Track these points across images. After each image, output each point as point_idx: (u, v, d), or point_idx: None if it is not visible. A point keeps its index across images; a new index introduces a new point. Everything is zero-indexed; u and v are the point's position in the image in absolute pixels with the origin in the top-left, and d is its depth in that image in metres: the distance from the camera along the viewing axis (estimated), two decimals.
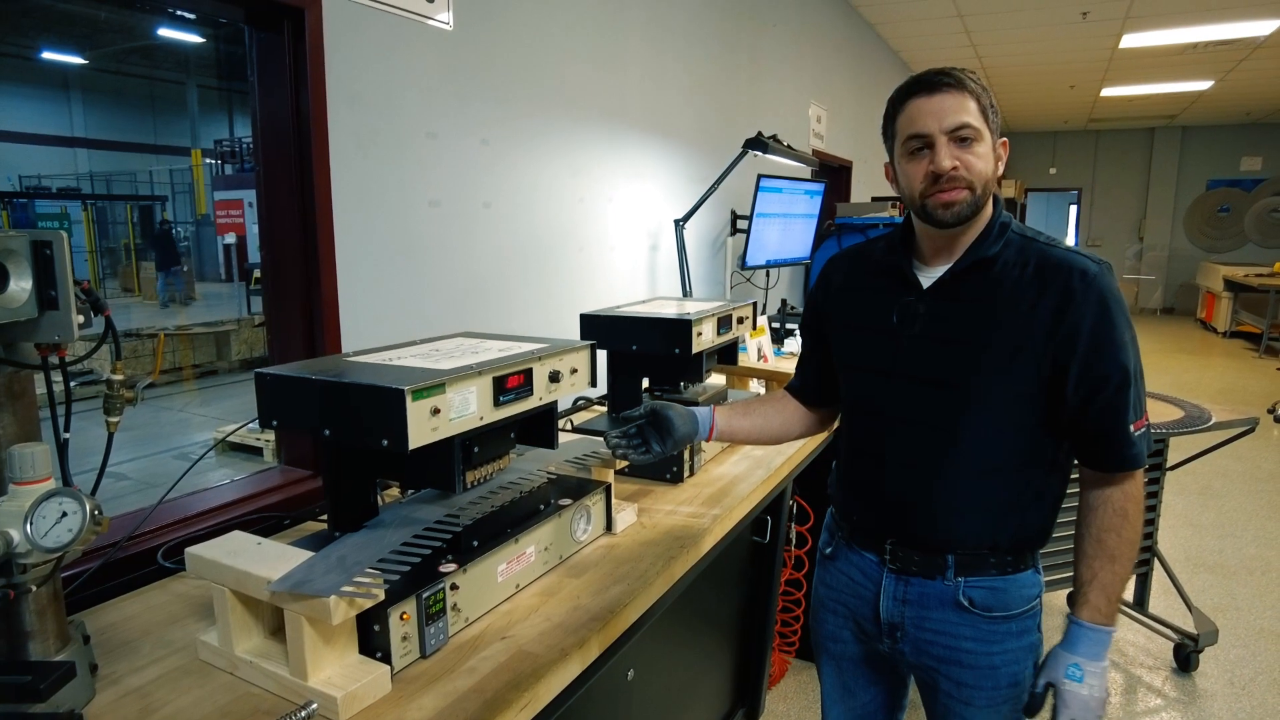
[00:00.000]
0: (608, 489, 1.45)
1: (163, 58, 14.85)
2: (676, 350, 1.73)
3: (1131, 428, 1.11)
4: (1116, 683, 2.60)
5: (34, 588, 0.89)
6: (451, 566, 1.09)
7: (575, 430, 1.84)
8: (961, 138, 1.09)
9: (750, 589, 2.19)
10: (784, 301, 3.93)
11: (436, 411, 1.03)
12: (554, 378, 1.25)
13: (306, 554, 1.02)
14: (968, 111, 1.09)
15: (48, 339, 0.83)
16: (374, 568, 0.98)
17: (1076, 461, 1.19)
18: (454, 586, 1.09)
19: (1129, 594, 2.87)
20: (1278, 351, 8.91)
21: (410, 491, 1.32)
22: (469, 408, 1.10)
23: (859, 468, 1.28)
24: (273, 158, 1.64)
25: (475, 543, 1.15)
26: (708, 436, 1.36)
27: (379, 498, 1.22)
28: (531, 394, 1.21)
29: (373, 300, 1.80)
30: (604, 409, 2.18)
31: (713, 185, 2.98)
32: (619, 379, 1.90)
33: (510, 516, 1.24)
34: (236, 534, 1.08)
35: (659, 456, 1.32)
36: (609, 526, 1.47)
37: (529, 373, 1.20)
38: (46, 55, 13.85)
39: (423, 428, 1.02)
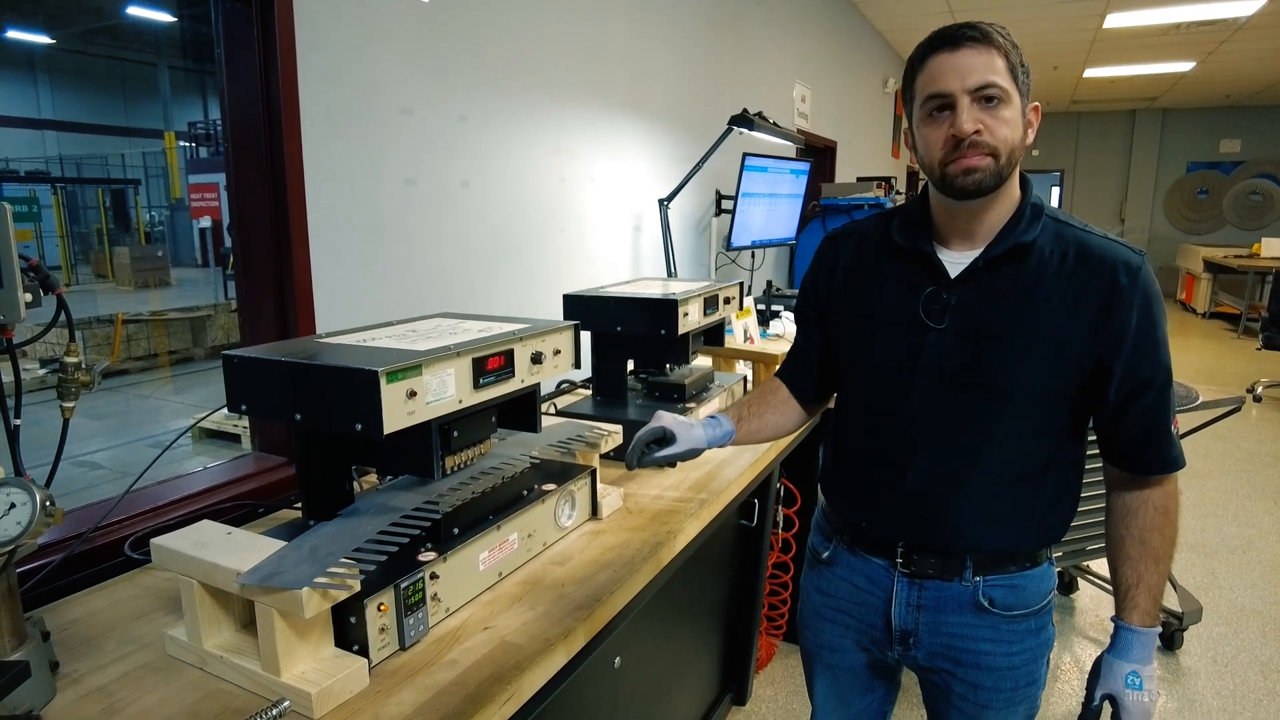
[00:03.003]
0: (593, 474, 1.41)
1: (131, 38, 14.51)
2: (662, 331, 1.69)
3: (1171, 428, 1.07)
4: None
5: None
6: (431, 555, 1.05)
7: (559, 414, 1.80)
8: (987, 97, 0.99)
9: (738, 573, 2.17)
10: (769, 283, 3.90)
11: (413, 394, 0.99)
12: (536, 359, 1.21)
13: (278, 544, 0.97)
14: (994, 69, 0.98)
15: None
16: (349, 557, 0.94)
17: (1106, 462, 1.13)
18: (434, 576, 1.05)
19: None
20: (1256, 332, 9.01)
21: (388, 478, 1.27)
22: (447, 390, 1.05)
23: (868, 473, 1.18)
24: (242, 135, 1.58)
25: (455, 530, 1.11)
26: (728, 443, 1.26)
27: (356, 485, 1.18)
28: (513, 376, 1.17)
29: (347, 281, 1.74)
30: (587, 392, 2.14)
31: (698, 164, 2.93)
32: (603, 361, 1.86)
33: (492, 503, 1.20)
34: (205, 524, 1.04)
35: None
36: (594, 512, 1.43)
37: (510, 354, 1.16)
38: (11, 34, 13.49)
39: (398, 411, 0.97)
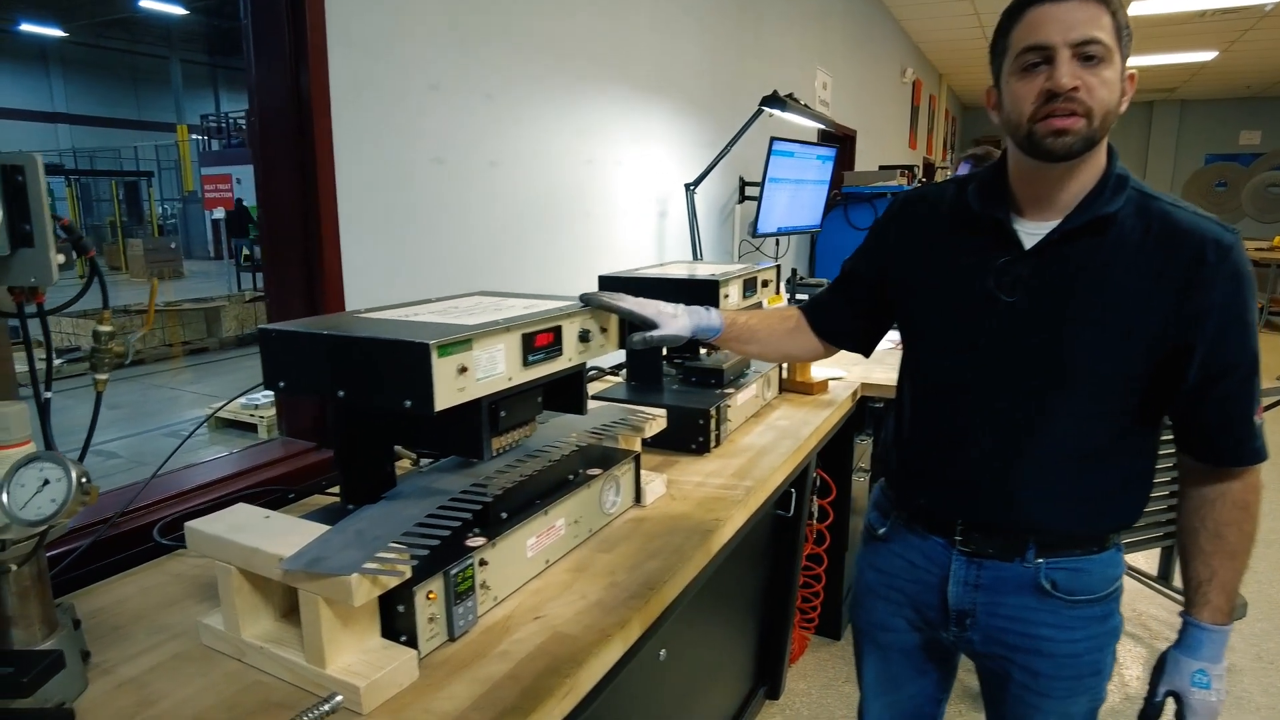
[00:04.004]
0: (636, 459, 1.35)
1: (144, 31, 14.51)
2: None
3: (1255, 418, 1.00)
4: (1141, 657, 2.54)
5: (14, 567, 0.79)
6: (480, 541, 1.00)
7: (594, 399, 1.74)
8: (1088, 55, 0.92)
9: (773, 564, 2.11)
10: (794, 271, 3.82)
11: (463, 370, 0.93)
12: (584, 337, 1.15)
13: (321, 528, 0.92)
14: (1100, 26, 0.92)
15: (22, 281, 0.72)
16: (397, 542, 0.89)
17: (1181, 452, 1.07)
18: (483, 563, 0.99)
19: (1153, 568, 2.81)
20: (1276, 326, 8.88)
21: (427, 461, 1.21)
22: (497, 367, 0.99)
23: (930, 448, 1.14)
24: (270, 110, 1.52)
25: (504, 515, 1.05)
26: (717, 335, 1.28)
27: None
28: (561, 354, 1.11)
29: (378, 260, 1.68)
30: (616, 379, 2.08)
31: (726, 146, 2.86)
32: (643, 351, 1.79)
33: (539, 487, 1.14)
34: (241, 506, 0.98)
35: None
36: (638, 498, 1.37)
37: (559, 331, 1.10)
38: (24, 27, 13.51)
39: (449, 387, 0.91)
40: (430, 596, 0.92)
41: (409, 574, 0.86)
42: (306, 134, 1.49)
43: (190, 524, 0.93)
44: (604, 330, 1.21)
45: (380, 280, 1.69)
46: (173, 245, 12.65)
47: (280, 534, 0.90)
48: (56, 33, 14.00)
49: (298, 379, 0.99)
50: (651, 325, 1.21)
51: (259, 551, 0.87)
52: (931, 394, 1.15)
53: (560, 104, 2.26)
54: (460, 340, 0.92)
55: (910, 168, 4.76)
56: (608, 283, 1.71)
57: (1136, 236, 0.98)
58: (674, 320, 1.22)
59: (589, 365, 1.23)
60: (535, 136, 2.17)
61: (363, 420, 1.05)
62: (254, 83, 1.54)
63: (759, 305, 1.92)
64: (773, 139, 3.12)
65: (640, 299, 1.23)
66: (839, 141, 5.30)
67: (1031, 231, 1.03)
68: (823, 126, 3.26)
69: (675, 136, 2.94)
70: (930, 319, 1.13)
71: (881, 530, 1.25)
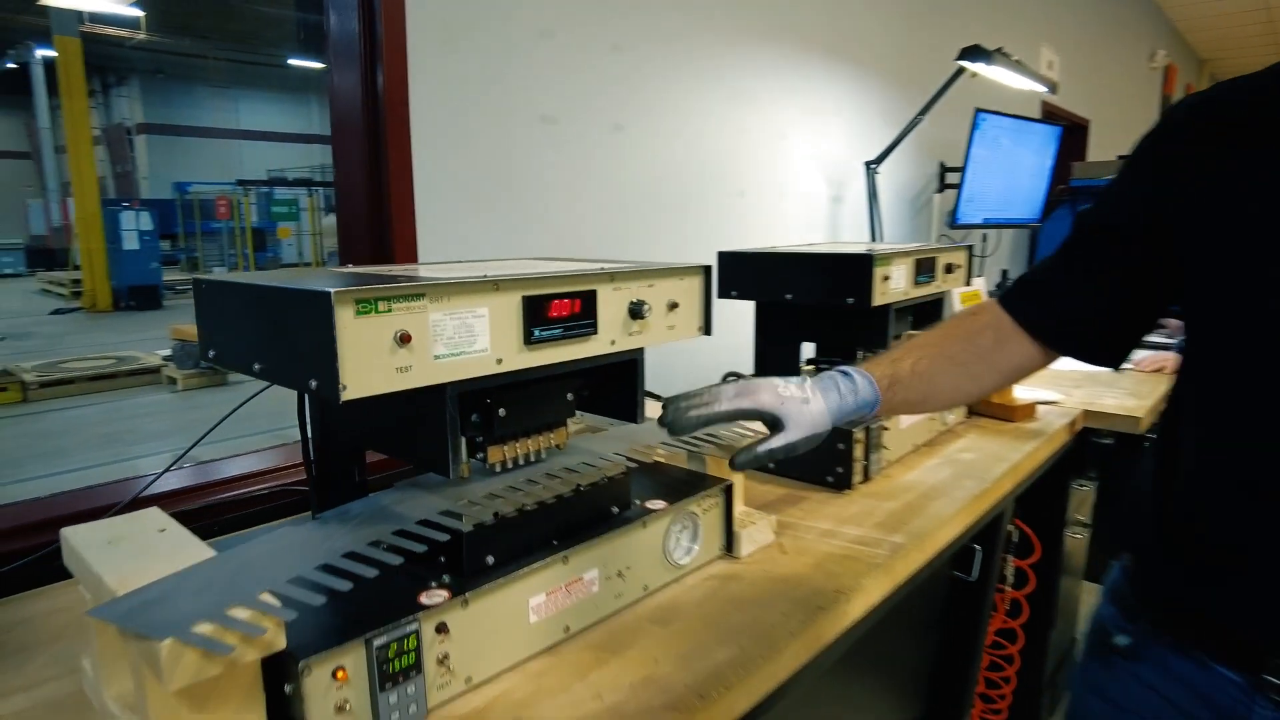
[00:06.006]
0: (728, 490, 0.98)
1: None
2: (849, 300, 1.21)
3: None
4: None
5: None
6: (440, 595, 0.68)
7: None
8: None
9: (945, 638, 1.62)
10: (1004, 274, 3.20)
11: (405, 340, 0.62)
12: (636, 312, 0.80)
13: (206, 554, 0.64)
14: None
15: None
16: (277, 593, 0.58)
17: None
18: (442, 629, 0.67)
19: None
20: None
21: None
22: (474, 342, 0.67)
23: (1237, 518, 0.69)
24: (340, 49, 1.32)
25: (490, 558, 0.73)
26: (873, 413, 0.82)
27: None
28: (594, 331, 0.77)
29: (460, 234, 1.44)
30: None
31: (915, 117, 2.38)
32: (769, 343, 1.41)
33: (558, 520, 0.80)
34: (148, 512, 0.73)
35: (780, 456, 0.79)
36: (729, 546, 0.99)
37: (588, 299, 0.76)
38: (292, 62, 15.38)
39: (375, 364, 0.60)
40: (339, 676, 0.61)
41: (277, 644, 0.56)
42: (372, 73, 1.28)
43: (66, 530, 0.69)
44: (674, 306, 0.85)
45: (464, 250, 1.44)
46: None
47: (149, 557, 0.63)
48: (317, 65, 15.84)
49: (225, 345, 0.73)
50: (771, 425, 0.79)
51: (101, 583, 0.60)
52: (1255, 429, 0.67)
53: (706, 62, 1.92)
54: (396, 294, 0.61)
55: None
56: (729, 260, 1.35)
57: None
58: (803, 411, 0.78)
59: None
60: (674, 99, 1.85)
61: (326, 410, 0.78)
62: (327, 22, 1.35)
63: (939, 299, 1.46)
64: (978, 110, 2.57)
65: (744, 383, 0.80)
66: (1064, 132, 4.50)
67: None
68: (1044, 91, 2.64)
69: (856, 107, 2.49)
70: (1262, 309, 0.65)
71: (1123, 640, 0.79)
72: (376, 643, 0.62)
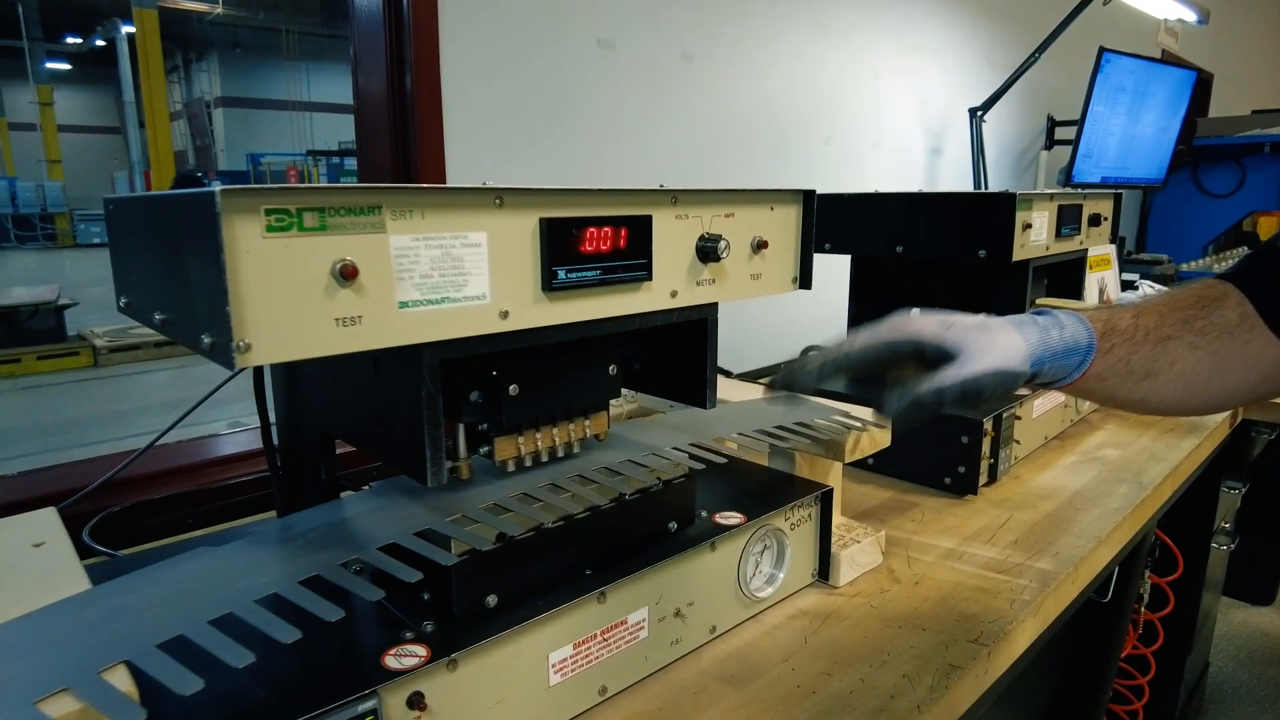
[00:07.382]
0: (825, 498, 0.74)
1: None
2: (981, 253, 0.94)
3: None
4: None
5: None
6: (416, 656, 0.46)
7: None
8: None
9: (1069, 670, 1.35)
10: (1122, 240, 2.83)
11: (350, 274, 0.40)
12: (708, 252, 0.56)
13: (83, 585, 0.44)
14: None
15: None
16: (143, 665, 0.38)
17: None
18: (416, 702, 0.46)
19: None
20: None
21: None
22: (465, 284, 0.45)
23: None
24: None
25: (491, 599, 0.51)
26: (1072, 380, 0.54)
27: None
28: (647, 276, 0.53)
29: (496, 170, 1.22)
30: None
31: (1031, 55, 2.05)
32: (869, 307, 1.15)
33: (592, 541, 0.58)
34: (38, 514, 0.54)
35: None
36: (824, 572, 0.75)
37: (640, 227, 0.52)
38: None
39: (299, 311, 0.38)
40: None
41: None
42: None
43: None
44: (761, 246, 0.61)
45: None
46: None
47: (7, 588, 0.44)
48: None
49: (136, 289, 0.52)
50: (939, 359, 0.52)
51: None
52: None
53: None
54: (335, 204, 0.39)
55: None
56: (827, 203, 1.09)
57: None
58: (984, 339, 0.52)
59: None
60: (751, 27, 1.59)
61: (290, 382, 0.57)
62: None
63: (1082, 256, 1.17)
64: (1103, 50, 2.22)
65: (902, 318, 0.55)
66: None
67: None
68: (1194, 20, 2.27)
69: (957, 48, 2.17)
70: None
71: None
72: None
